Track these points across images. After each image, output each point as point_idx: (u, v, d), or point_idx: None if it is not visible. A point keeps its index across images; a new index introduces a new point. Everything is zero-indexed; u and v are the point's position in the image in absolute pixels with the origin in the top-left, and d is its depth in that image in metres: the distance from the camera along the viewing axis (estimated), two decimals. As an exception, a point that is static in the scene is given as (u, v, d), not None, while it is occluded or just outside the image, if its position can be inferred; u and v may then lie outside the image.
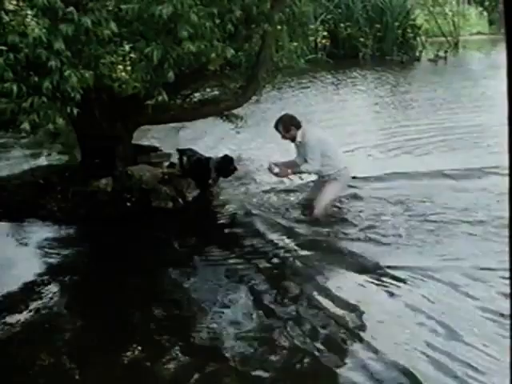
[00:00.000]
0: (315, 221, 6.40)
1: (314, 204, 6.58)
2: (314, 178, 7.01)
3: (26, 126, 5.16)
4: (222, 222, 6.74)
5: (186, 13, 5.32)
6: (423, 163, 8.29)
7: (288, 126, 6.58)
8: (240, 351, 4.07)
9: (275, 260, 5.55)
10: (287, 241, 5.98)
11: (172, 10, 5.23)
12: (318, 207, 6.52)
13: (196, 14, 5.40)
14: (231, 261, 5.59)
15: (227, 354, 4.04)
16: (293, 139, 6.63)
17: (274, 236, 6.13)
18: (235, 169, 7.28)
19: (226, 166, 7.23)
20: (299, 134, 6.56)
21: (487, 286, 4.71)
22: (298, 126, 6.59)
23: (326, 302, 4.64)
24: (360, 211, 6.57)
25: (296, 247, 5.81)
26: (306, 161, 6.53)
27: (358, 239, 5.84)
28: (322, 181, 6.70)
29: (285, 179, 7.34)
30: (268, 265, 5.44)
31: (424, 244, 5.65)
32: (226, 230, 6.52)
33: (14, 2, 4.89)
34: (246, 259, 5.58)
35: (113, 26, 5.20)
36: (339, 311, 4.51)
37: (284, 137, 6.66)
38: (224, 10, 5.82)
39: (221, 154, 7.45)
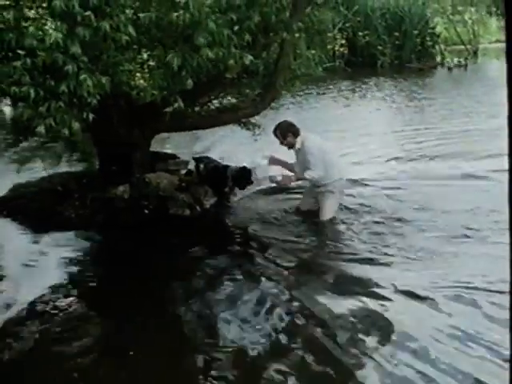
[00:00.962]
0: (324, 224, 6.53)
1: (320, 214, 6.66)
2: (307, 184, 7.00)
3: (41, 129, 5.18)
4: (237, 230, 6.71)
5: (203, 20, 5.33)
6: (431, 167, 8.38)
7: (285, 132, 6.65)
8: (250, 362, 4.05)
9: (285, 273, 5.47)
10: (297, 252, 5.93)
11: (189, 17, 5.23)
12: (325, 215, 6.64)
13: (214, 22, 5.40)
14: (244, 270, 5.54)
15: (238, 364, 4.02)
16: (291, 146, 6.69)
17: (286, 246, 6.09)
18: (251, 182, 7.25)
19: (243, 177, 7.20)
20: (298, 141, 6.62)
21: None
22: (295, 133, 6.65)
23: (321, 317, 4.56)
24: (363, 218, 6.57)
25: (305, 260, 5.77)
26: (306, 168, 6.56)
27: (359, 257, 5.65)
28: (316, 190, 6.73)
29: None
30: (278, 277, 5.36)
31: (426, 260, 5.47)
32: (241, 239, 6.47)
33: (34, 11, 4.92)
34: (258, 270, 5.52)
35: (131, 30, 5.21)
36: (335, 329, 4.38)
37: (282, 143, 6.73)
38: (243, 16, 5.82)
39: (240, 164, 7.41)
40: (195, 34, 5.37)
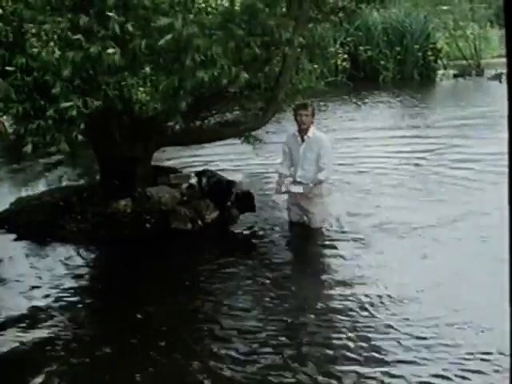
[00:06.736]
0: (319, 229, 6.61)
1: (311, 223, 6.69)
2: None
3: (28, 148, 5.16)
4: (238, 244, 6.71)
5: (192, 39, 5.25)
6: (429, 183, 8.39)
7: (315, 114, 6.80)
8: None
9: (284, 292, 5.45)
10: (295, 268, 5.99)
11: (176, 39, 5.17)
12: (317, 223, 6.66)
13: (208, 38, 5.35)
14: (243, 282, 5.57)
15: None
16: (307, 127, 6.60)
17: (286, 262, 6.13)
18: (254, 209, 7.15)
19: (246, 201, 7.18)
20: (311, 129, 6.66)
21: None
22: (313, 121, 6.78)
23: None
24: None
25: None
26: (317, 159, 6.56)
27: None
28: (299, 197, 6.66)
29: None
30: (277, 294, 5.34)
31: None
32: (241, 254, 6.45)
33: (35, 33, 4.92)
34: (257, 286, 5.52)
35: (117, 58, 5.14)
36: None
37: (303, 120, 6.57)
38: (244, 34, 5.81)
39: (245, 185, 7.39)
40: (184, 57, 5.30)
